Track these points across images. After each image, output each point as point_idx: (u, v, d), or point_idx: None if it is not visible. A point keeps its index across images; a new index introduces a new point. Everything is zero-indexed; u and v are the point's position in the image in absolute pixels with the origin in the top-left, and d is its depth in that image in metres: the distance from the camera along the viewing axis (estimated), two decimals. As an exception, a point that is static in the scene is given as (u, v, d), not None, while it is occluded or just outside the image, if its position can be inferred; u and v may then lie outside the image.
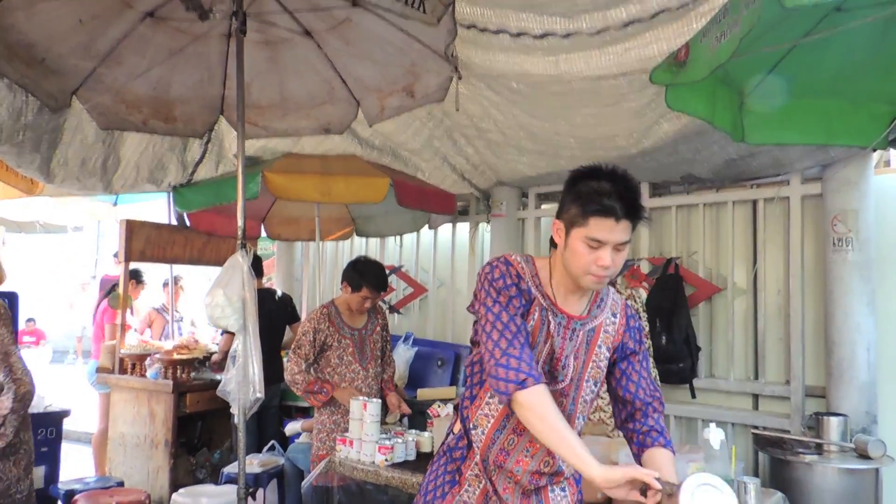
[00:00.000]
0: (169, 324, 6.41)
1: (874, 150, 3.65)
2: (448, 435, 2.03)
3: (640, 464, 1.83)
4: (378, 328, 3.95)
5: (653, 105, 2.98)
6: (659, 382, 3.64)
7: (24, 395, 2.67)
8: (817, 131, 3.16)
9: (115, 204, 6.62)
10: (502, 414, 1.88)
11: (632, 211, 1.72)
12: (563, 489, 1.96)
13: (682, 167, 3.95)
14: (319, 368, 3.77)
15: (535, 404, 1.69)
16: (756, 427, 4.05)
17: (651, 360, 3.66)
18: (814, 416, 3.66)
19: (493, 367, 1.74)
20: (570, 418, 1.88)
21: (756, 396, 4.28)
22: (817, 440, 3.50)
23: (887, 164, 4.15)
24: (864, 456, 3.36)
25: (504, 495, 1.90)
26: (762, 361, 4.23)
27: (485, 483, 1.92)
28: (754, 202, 4.33)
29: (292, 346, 3.75)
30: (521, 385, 1.69)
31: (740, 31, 1.87)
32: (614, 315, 1.94)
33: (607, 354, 1.92)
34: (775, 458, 3.57)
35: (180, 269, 6.57)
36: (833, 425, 3.48)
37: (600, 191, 1.72)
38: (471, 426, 1.93)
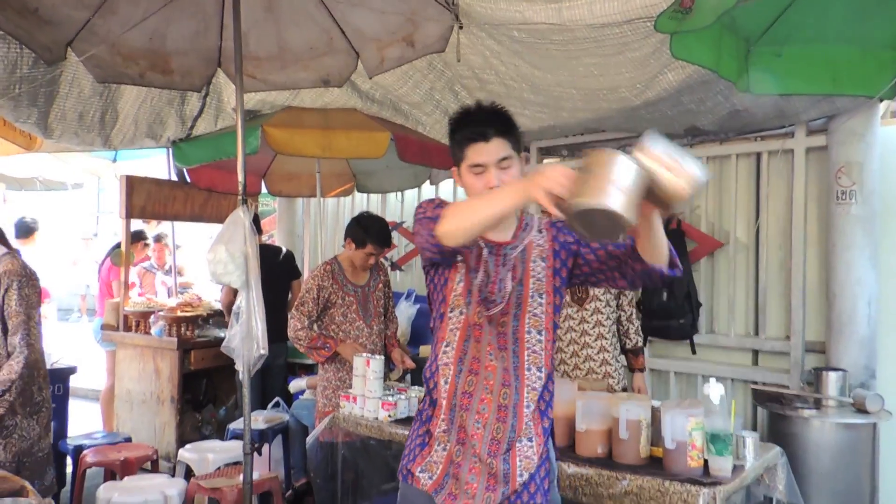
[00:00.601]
0: (155, 278, 6.44)
1: (881, 101, 3.59)
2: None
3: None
4: (380, 285, 3.95)
5: (657, 54, 2.92)
6: (642, 337, 3.66)
7: (34, 363, 2.70)
8: (823, 80, 3.10)
9: (115, 160, 6.59)
10: (455, 359, 1.98)
11: (498, 128, 1.88)
12: (529, 439, 1.95)
13: (685, 119, 3.89)
14: (324, 326, 3.78)
15: (452, 211, 1.79)
16: (755, 382, 4.07)
17: (636, 310, 3.66)
18: (813, 371, 3.68)
19: (418, 238, 1.90)
20: (516, 332, 1.94)
21: (756, 352, 4.30)
22: (816, 395, 3.52)
23: (894, 114, 4.09)
24: (862, 410, 3.38)
25: (473, 441, 1.93)
26: (763, 317, 4.23)
27: (450, 446, 1.96)
28: (758, 155, 4.28)
29: (296, 304, 3.75)
30: (436, 220, 1.80)
31: (748, -26, 1.82)
32: (540, 232, 2.03)
33: (543, 265, 1.98)
34: (774, 413, 3.60)
35: (165, 226, 6.59)
36: (832, 380, 3.50)
37: (465, 123, 1.93)
38: (439, 380, 1.99)
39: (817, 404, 3.50)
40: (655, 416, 2.57)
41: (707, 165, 4.42)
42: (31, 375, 2.75)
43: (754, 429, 4.02)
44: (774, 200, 4.22)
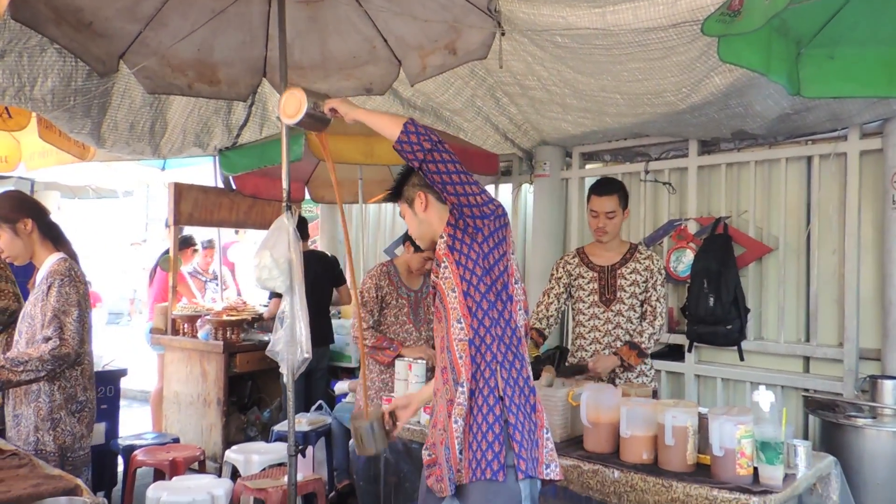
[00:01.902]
0: (206, 284, 6.57)
1: (939, 102, 3.47)
2: None
3: None
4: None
5: (703, 58, 2.87)
6: (651, 346, 3.41)
7: (63, 357, 2.67)
8: (879, 83, 3.02)
9: (163, 168, 6.76)
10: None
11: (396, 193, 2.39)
12: (461, 384, 2.07)
13: (732, 123, 3.82)
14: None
15: None
16: (806, 390, 3.97)
17: (663, 303, 3.42)
18: (868, 378, 3.57)
19: None
20: (443, 301, 2.15)
21: (807, 359, 4.19)
22: (871, 403, 3.42)
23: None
24: (920, 420, 3.27)
25: (440, 414, 2.15)
26: (814, 323, 4.12)
27: (429, 430, 2.29)
28: (809, 159, 4.18)
29: (359, 303, 3.78)
30: None
31: (800, -26, 1.78)
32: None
33: (441, 241, 2.21)
34: (826, 422, 3.51)
35: (209, 232, 6.71)
36: (888, 388, 3.39)
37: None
38: None
39: (873, 413, 3.40)
40: (702, 422, 2.53)
41: (754, 169, 4.34)
42: (75, 374, 2.80)
43: (805, 437, 3.91)
44: (826, 205, 4.12)
